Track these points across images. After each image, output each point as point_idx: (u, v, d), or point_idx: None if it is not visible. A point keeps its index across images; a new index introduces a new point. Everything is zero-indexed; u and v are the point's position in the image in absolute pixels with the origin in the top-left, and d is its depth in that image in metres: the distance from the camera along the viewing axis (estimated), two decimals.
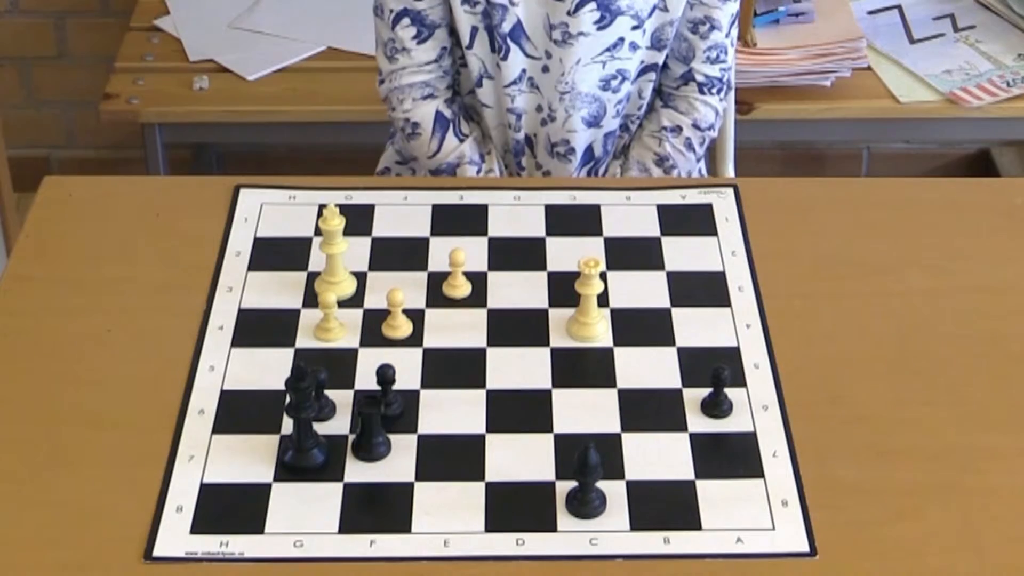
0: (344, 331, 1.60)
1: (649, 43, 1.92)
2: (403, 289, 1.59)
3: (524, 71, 1.90)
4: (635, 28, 1.89)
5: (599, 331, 1.59)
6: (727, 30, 1.94)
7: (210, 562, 1.35)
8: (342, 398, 1.51)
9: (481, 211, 1.78)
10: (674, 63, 1.97)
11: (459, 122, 1.96)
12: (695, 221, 1.78)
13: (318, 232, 1.70)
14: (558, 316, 1.62)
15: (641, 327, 1.61)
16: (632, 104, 1.98)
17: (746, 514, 1.40)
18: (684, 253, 1.72)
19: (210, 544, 1.36)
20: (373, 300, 1.64)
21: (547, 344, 1.59)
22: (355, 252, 1.69)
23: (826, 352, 1.59)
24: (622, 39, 1.89)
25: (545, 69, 1.91)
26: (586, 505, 1.39)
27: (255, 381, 1.54)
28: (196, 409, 1.50)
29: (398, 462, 1.45)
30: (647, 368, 1.56)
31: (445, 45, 1.94)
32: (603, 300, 1.64)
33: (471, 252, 1.68)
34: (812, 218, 1.79)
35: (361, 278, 1.67)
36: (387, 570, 1.35)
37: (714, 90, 1.98)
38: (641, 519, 1.39)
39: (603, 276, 1.67)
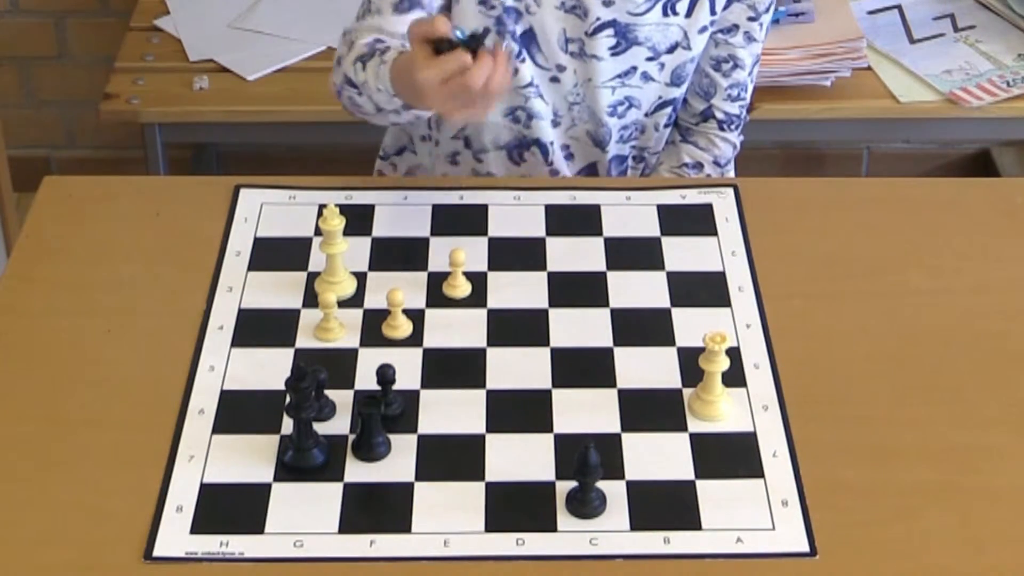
0: (344, 331, 1.60)
1: (668, 79, 1.91)
2: (403, 289, 1.59)
3: (533, 76, 1.89)
4: (650, 59, 1.88)
5: (724, 410, 1.50)
6: (749, 69, 1.94)
7: (210, 562, 1.35)
8: (342, 398, 1.51)
9: (481, 211, 1.78)
10: (694, 99, 1.96)
11: None
12: (695, 221, 1.78)
13: (318, 232, 1.70)
14: (558, 316, 1.62)
15: (641, 327, 1.61)
16: (647, 136, 1.97)
17: (746, 514, 1.40)
18: (684, 253, 1.72)
19: (210, 544, 1.36)
20: (373, 300, 1.64)
21: (547, 344, 1.59)
22: (355, 252, 1.69)
23: (826, 352, 1.59)
24: (635, 68, 1.88)
25: (554, 79, 1.89)
26: (586, 505, 1.39)
27: (255, 381, 1.54)
28: (196, 409, 1.50)
29: (398, 462, 1.45)
30: (647, 368, 1.56)
31: None
32: (603, 300, 1.64)
33: (471, 252, 1.68)
34: (812, 218, 1.79)
35: (361, 278, 1.67)
36: (387, 570, 1.35)
37: (732, 126, 1.98)
38: (641, 519, 1.39)
39: (603, 276, 1.68)
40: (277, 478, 1.43)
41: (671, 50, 1.88)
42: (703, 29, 1.87)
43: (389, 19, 1.80)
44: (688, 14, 1.85)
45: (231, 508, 1.40)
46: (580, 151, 1.97)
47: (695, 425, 1.49)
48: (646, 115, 1.94)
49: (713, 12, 1.86)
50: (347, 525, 1.38)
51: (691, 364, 1.52)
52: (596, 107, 1.91)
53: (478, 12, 1.84)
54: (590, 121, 1.93)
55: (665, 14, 1.84)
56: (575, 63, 1.87)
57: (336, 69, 1.79)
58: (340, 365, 1.55)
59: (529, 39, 1.85)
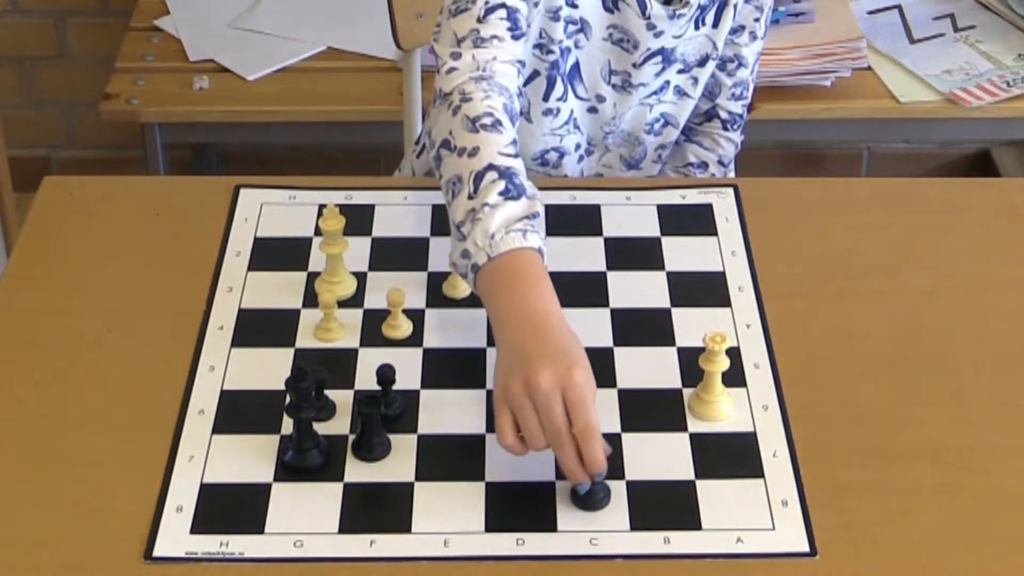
0: (344, 331, 1.60)
1: (703, 92, 1.92)
2: (403, 289, 1.59)
3: (571, 111, 1.87)
4: (681, 72, 1.88)
5: (724, 410, 1.49)
6: (752, 67, 1.94)
7: (210, 562, 1.35)
8: (342, 398, 1.51)
9: None
10: (700, 99, 1.96)
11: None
12: (695, 221, 1.78)
13: (318, 232, 1.70)
14: None
15: (641, 327, 1.61)
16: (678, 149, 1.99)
17: (746, 514, 1.40)
18: (684, 253, 1.72)
19: (210, 544, 1.36)
20: (373, 300, 1.64)
21: None
22: (355, 252, 1.69)
23: (826, 352, 1.59)
24: (668, 82, 1.88)
25: (592, 110, 1.88)
26: (591, 495, 1.39)
27: (255, 381, 1.54)
28: (196, 409, 1.50)
29: (398, 462, 1.45)
30: (647, 368, 1.56)
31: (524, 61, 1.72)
32: (603, 300, 1.64)
33: None
34: (812, 218, 1.79)
35: (361, 278, 1.67)
36: (387, 570, 1.35)
37: (735, 126, 1.98)
38: (641, 519, 1.39)
39: (603, 276, 1.68)
40: (277, 478, 1.43)
41: (702, 63, 1.88)
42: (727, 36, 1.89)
43: (509, 46, 1.66)
44: (715, 24, 1.85)
45: (231, 508, 1.40)
46: (614, 176, 1.96)
47: (695, 425, 1.49)
48: (680, 132, 1.95)
49: (735, 19, 1.86)
50: (347, 525, 1.38)
51: (691, 364, 1.52)
52: (633, 126, 1.92)
53: (533, 56, 1.81)
54: (624, 144, 1.93)
55: (697, 27, 1.84)
56: (616, 95, 1.87)
57: (448, 111, 1.60)
58: (340, 365, 1.55)
59: (573, 73, 1.84)
